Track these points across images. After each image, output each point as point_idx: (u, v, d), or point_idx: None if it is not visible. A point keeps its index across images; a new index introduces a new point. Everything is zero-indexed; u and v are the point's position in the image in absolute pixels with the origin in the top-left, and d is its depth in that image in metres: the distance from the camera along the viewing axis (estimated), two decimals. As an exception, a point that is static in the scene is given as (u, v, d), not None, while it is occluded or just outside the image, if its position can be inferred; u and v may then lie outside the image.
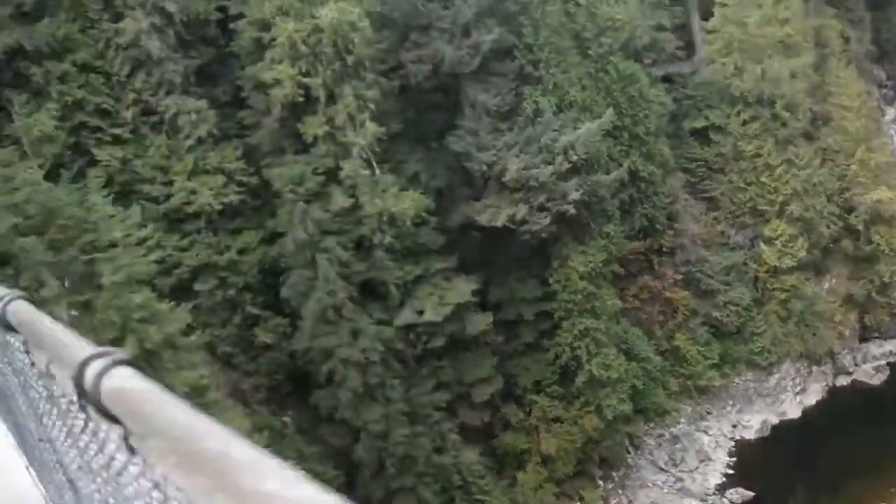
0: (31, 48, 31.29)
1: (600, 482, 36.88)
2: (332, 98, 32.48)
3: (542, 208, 34.36)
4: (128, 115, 32.81)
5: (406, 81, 35.50)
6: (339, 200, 31.92)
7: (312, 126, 32.34)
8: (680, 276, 40.78)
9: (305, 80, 32.21)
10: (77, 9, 33.29)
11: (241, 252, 32.36)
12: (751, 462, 37.84)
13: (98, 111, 32.22)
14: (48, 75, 31.48)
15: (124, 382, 0.85)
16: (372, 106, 32.26)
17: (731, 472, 38.02)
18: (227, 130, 33.74)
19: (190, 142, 32.75)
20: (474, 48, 34.55)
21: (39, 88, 31.38)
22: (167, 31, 33.51)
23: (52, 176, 29.95)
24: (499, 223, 34.41)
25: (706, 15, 45.87)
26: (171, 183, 32.29)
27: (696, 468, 38.10)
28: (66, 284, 24.55)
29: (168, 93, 33.20)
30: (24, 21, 31.67)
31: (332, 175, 32.41)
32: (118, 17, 33.28)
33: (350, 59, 32.04)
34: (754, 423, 40.56)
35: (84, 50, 32.79)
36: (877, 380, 43.09)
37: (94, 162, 31.38)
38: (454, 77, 35.39)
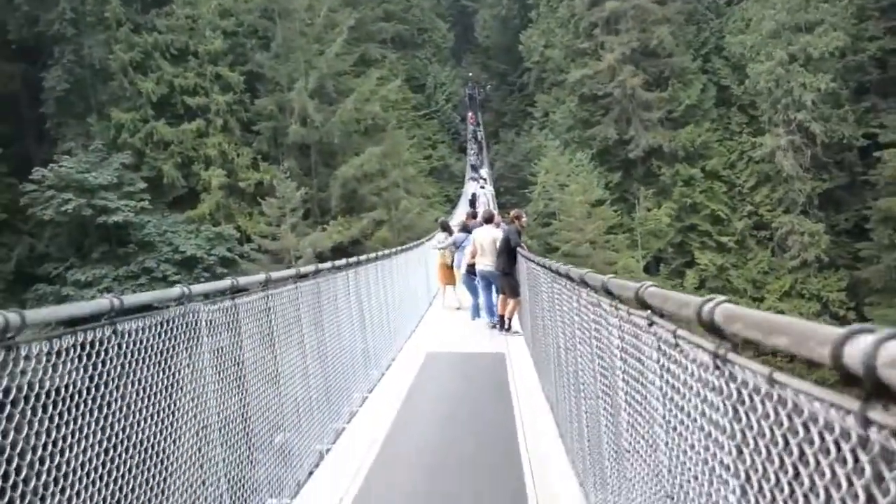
0: (668, 150, 33.82)
1: None
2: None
3: None
4: (739, 225, 33.04)
5: None
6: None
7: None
8: None
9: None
10: (721, 121, 34.90)
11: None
12: None
13: (711, 217, 33.14)
14: (675, 177, 33.61)
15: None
16: None
17: None
18: (836, 259, 31.44)
19: (794, 263, 31.56)
20: None
21: (664, 188, 33.69)
22: (805, 151, 32.84)
23: (650, 267, 31.93)
24: None
25: None
26: (761, 300, 31.34)
27: None
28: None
29: (786, 211, 32.54)
30: (668, 125, 34.44)
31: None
32: (758, 133, 33.83)
33: None
34: None
35: (716, 159, 34.16)
36: None
37: (691, 263, 32.35)
38: None
